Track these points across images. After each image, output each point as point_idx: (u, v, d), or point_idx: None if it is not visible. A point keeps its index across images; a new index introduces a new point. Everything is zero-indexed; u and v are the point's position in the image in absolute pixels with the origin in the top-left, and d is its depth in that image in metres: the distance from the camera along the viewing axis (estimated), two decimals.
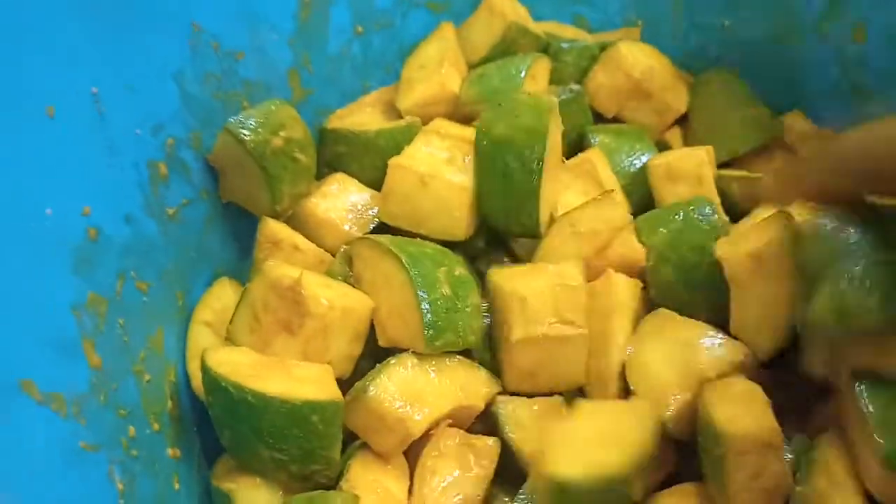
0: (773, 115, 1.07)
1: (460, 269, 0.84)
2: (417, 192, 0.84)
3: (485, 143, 0.84)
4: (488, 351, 0.84)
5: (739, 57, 1.12)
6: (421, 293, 0.78)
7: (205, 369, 0.74)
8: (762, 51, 1.10)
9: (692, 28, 1.13)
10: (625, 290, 0.82)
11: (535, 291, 0.79)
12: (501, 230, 0.87)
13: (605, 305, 0.81)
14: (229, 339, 0.82)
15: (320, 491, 0.72)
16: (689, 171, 0.95)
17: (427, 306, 0.78)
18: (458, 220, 0.85)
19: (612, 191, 0.85)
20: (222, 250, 0.93)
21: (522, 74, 0.97)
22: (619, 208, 0.85)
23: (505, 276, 0.82)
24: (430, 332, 0.77)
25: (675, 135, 1.10)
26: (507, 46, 1.04)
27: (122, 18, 0.77)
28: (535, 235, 0.86)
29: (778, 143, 1.06)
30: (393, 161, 0.87)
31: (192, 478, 0.80)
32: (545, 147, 0.82)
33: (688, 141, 1.09)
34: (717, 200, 0.94)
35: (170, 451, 0.77)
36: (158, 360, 0.80)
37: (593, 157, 0.96)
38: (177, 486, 0.76)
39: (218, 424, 0.76)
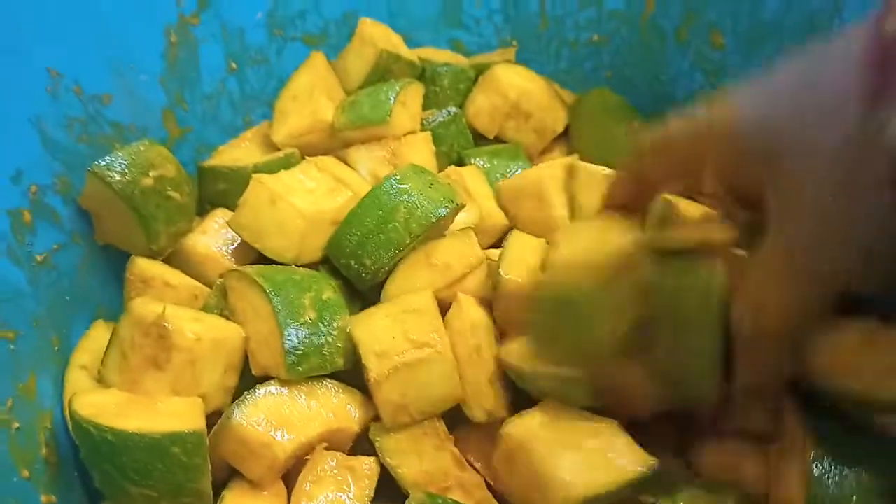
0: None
1: (329, 294, 0.85)
2: (265, 208, 0.88)
3: (384, 190, 0.87)
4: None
5: (612, 70, 1.16)
6: (283, 320, 0.79)
7: (71, 414, 0.75)
8: (631, 62, 1.14)
9: (563, 46, 1.17)
10: (477, 309, 0.84)
11: (382, 327, 0.81)
12: (341, 264, 0.89)
13: (464, 328, 0.82)
14: (101, 381, 0.82)
15: None
16: (532, 191, 0.97)
17: (289, 332, 0.79)
18: (291, 244, 0.87)
19: (470, 228, 0.88)
20: (101, 293, 0.93)
21: (392, 101, 0.99)
22: (474, 247, 0.88)
23: (357, 322, 0.84)
24: (292, 358, 0.79)
25: (554, 155, 1.13)
26: (382, 74, 1.07)
27: None
28: (369, 282, 0.88)
29: None
30: (256, 176, 0.89)
31: None
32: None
33: (569, 152, 1.12)
34: (563, 214, 0.95)
35: (43, 498, 0.77)
36: (30, 406, 0.80)
37: (465, 171, 0.99)
38: None
39: (89, 467, 0.76)
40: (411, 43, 1.15)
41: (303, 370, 0.79)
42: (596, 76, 1.15)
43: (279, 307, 0.80)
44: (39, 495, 0.76)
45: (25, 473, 0.76)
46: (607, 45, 1.14)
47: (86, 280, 0.92)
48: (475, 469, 0.83)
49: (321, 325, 0.82)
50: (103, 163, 0.88)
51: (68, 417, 0.82)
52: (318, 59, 1.07)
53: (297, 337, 0.80)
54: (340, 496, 0.79)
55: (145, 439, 0.71)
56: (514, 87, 1.09)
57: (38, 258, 0.85)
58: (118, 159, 0.89)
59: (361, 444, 0.84)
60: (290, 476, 0.81)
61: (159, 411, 0.76)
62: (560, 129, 1.13)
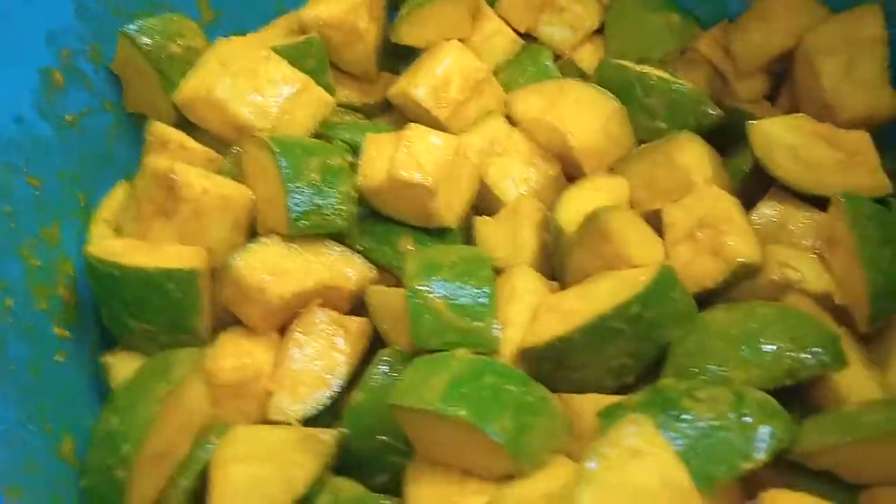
0: (690, 23, 1.07)
1: (337, 160, 0.87)
2: None
3: None
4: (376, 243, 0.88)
5: None
6: (287, 179, 0.82)
7: (83, 253, 0.80)
8: None
9: None
10: None
11: None
12: None
13: None
14: (118, 231, 0.87)
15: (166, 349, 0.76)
16: None
17: (292, 190, 0.82)
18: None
19: None
20: (129, 159, 0.97)
21: None
22: None
23: None
24: (293, 214, 0.81)
25: (586, 51, 1.10)
26: None
27: None
28: None
29: (694, 54, 1.07)
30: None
31: (83, 358, 0.85)
32: None
33: (605, 51, 1.10)
34: None
35: (56, 331, 0.82)
36: (52, 250, 0.85)
37: None
38: (59, 358, 0.81)
39: (98, 304, 0.81)
40: None
41: (303, 227, 0.82)
42: None
43: (285, 166, 0.83)
44: (53, 327, 0.82)
45: (42, 305, 0.81)
46: None
47: (114, 145, 0.96)
48: None
49: (325, 186, 0.84)
50: (134, 27, 0.92)
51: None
52: None
53: (301, 195, 0.82)
54: (331, 350, 0.81)
55: (143, 273, 0.76)
56: None
57: (68, 118, 0.90)
58: (149, 24, 0.93)
59: (360, 310, 0.87)
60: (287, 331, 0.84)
61: (162, 254, 0.80)
62: (595, 25, 1.10)
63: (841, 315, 0.75)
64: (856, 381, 0.70)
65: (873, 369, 0.73)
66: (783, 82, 1.02)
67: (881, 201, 0.79)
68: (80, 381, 0.83)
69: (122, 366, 0.79)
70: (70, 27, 0.90)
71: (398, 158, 0.84)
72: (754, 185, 0.87)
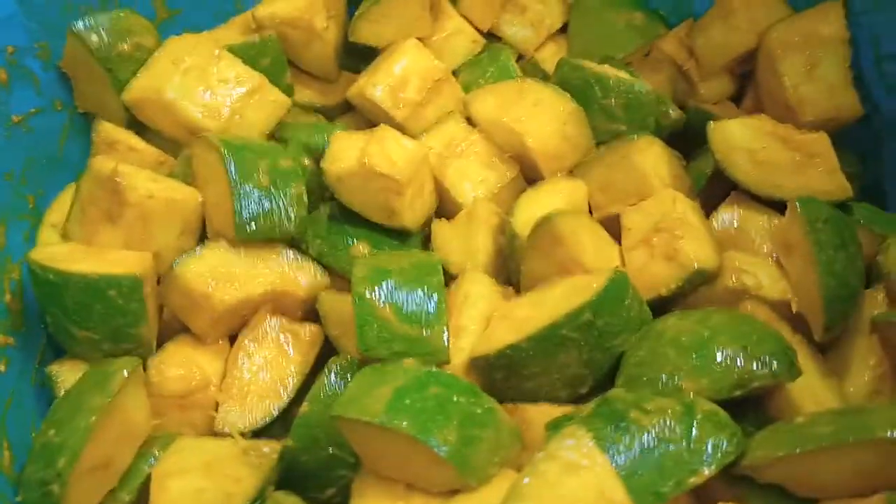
0: (654, 21, 1.06)
1: (288, 163, 0.85)
2: None
3: None
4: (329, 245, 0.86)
5: None
6: (234, 181, 0.80)
7: (26, 259, 0.78)
8: None
9: None
10: None
11: None
12: None
13: None
14: (64, 236, 0.85)
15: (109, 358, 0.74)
16: None
17: (240, 193, 0.79)
18: None
19: None
20: (83, 160, 0.95)
21: None
22: None
23: None
24: (240, 218, 0.79)
25: (549, 51, 1.09)
26: None
27: None
28: None
29: (659, 53, 1.05)
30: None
31: (29, 367, 0.82)
32: None
33: (568, 51, 1.08)
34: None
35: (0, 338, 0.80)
36: None
37: None
38: (1, 367, 0.79)
39: (42, 312, 0.79)
40: None
41: (250, 231, 0.80)
42: None
43: (232, 169, 0.80)
44: None
45: None
46: None
47: (66, 146, 0.94)
48: None
49: (273, 189, 0.82)
50: (82, 24, 0.90)
51: None
52: None
53: (248, 199, 0.80)
54: (281, 359, 0.79)
55: (83, 280, 0.74)
56: None
57: (14, 118, 0.88)
58: (97, 22, 0.91)
59: (313, 317, 0.84)
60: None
61: (106, 259, 0.78)
62: (558, 24, 1.08)
63: (798, 323, 0.73)
64: (812, 391, 0.68)
65: (831, 378, 0.71)
66: (749, 83, 1.00)
67: (841, 205, 0.78)
68: (24, 391, 0.81)
69: (69, 375, 0.77)
70: (15, 23, 0.88)
71: (371, 150, 0.83)
72: (717, 188, 0.85)
